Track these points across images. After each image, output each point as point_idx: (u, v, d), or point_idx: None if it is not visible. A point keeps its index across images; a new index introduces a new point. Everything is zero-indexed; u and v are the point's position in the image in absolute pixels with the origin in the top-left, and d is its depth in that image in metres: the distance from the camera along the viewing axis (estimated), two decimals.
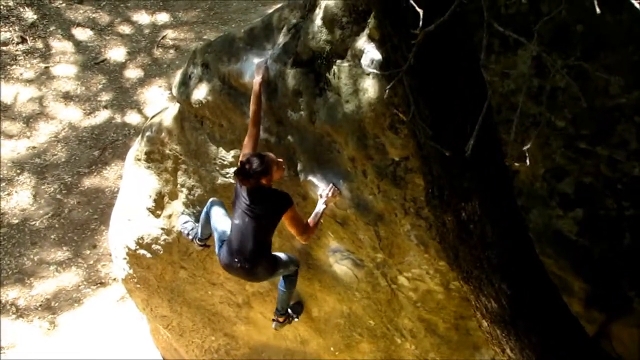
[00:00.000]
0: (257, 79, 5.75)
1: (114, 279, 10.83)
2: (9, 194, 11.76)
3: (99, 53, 13.58)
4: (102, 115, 12.76)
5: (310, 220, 5.86)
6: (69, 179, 11.96)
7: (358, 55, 5.10)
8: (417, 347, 6.45)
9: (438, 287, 5.76)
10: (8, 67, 13.24)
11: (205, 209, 6.70)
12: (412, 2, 3.08)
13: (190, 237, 7.10)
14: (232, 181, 6.66)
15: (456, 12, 3.06)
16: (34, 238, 11.33)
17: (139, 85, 13.15)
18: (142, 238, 7.88)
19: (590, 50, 4.15)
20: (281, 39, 5.81)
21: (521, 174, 4.65)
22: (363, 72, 5.06)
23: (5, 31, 13.62)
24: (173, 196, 7.42)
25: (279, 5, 6.20)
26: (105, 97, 12.99)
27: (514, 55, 4.36)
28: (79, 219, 11.57)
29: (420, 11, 3.00)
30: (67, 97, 12.97)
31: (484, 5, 3.11)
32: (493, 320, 4.21)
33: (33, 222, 11.49)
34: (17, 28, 13.71)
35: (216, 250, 6.36)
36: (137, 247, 7.98)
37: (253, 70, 5.88)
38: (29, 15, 13.92)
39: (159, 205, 7.58)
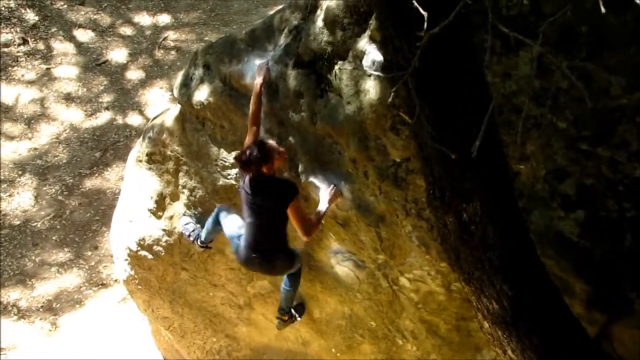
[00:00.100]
0: (259, 80, 5.75)
1: (116, 280, 10.83)
2: (10, 196, 11.77)
3: (100, 54, 13.60)
4: (104, 117, 12.77)
5: (312, 218, 5.84)
6: (71, 180, 11.96)
7: (359, 57, 5.10)
8: (419, 348, 6.45)
9: (439, 288, 5.76)
10: (9, 68, 13.25)
11: (212, 216, 6.70)
12: (416, 4, 3.08)
13: (192, 238, 7.10)
14: (234, 182, 6.67)
15: (460, 13, 3.06)
16: (35, 239, 11.34)
17: (140, 87, 13.15)
18: (143, 239, 7.88)
19: (592, 51, 4.15)
20: (282, 41, 5.82)
21: (522, 176, 4.65)
22: (364, 73, 5.06)
23: (7, 32, 13.63)
24: (174, 197, 7.42)
25: (280, 7, 6.20)
26: (106, 98, 13.00)
27: (516, 56, 4.36)
28: (80, 220, 11.57)
29: (425, 13, 3.00)
30: (68, 98, 12.98)
31: (488, 7, 3.11)
32: (494, 322, 4.21)
33: (34, 224, 11.50)
34: (18, 29, 13.72)
35: (233, 249, 6.39)
36: (139, 248, 7.99)
37: (254, 71, 5.89)
38: (31, 16, 13.93)
39: (160, 206, 7.58)
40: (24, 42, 13.56)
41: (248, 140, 5.79)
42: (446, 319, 5.97)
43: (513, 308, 4.06)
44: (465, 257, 4.10)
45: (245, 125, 6.11)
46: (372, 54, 4.98)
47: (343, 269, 6.46)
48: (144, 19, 14.10)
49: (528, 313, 4.11)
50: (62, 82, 13.18)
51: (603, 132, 4.30)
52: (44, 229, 11.45)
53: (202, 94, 6.40)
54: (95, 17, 14.06)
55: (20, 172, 12.02)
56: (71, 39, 13.78)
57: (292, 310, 7.09)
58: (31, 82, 13.14)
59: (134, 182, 7.78)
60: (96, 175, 12.06)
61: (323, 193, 5.82)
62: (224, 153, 6.59)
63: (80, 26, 13.94)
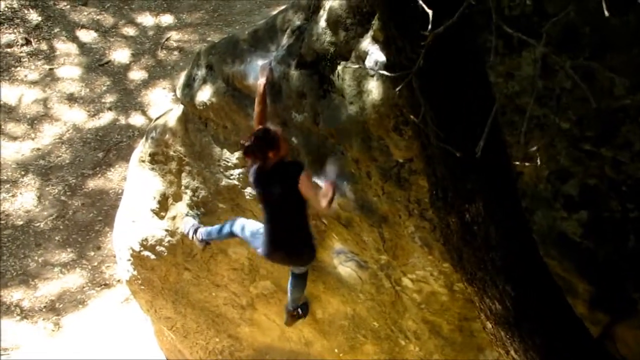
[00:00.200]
0: (262, 81, 5.75)
1: (118, 281, 10.83)
2: (13, 196, 11.78)
3: (103, 55, 13.61)
4: (106, 117, 12.78)
5: (324, 201, 5.53)
6: (73, 181, 11.97)
7: (362, 57, 5.10)
8: (421, 348, 6.44)
9: (442, 288, 5.76)
10: (12, 68, 13.27)
11: (225, 226, 6.62)
12: (421, 2, 3.08)
13: (190, 234, 7.07)
14: (237, 183, 6.67)
15: (464, 14, 3.06)
16: (38, 239, 11.35)
17: (143, 87, 13.17)
18: (146, 239, 7.89)
19: (595, 51, 4.15)
20: (285, 41, 5.82)
21: (525, 176, 4.64)
22: (367, 73, 5.06)
23: (10, 33, 13.65)
24: (177, 198, 7.42)
25: (282, 7, 6.20)
26: (109, 98, 13.02)
27: (519, 56, 4.36)
28: (83, 220, 11.58)
29: (430, 12, 3.00)
30: (71, 98, 12.99)
31: (492, 7, 3.11)
32: (497, 322, 4.21)
33: (37, 224, 11.51)
34: (21, 30, 13.73)
35: (255, 247, 6.31)
36: (141, 248, 7.99)
37: (257, 72, 5.89)
38: (34, 17, 13.95)
39: (163, 206, 7.59)
40: (27, 42, 13.58)
41: None
42: (449, 319, 5.97)
43: (516, 308, 4.05)
44: (468, 258, 4.10)
45: (248, 126, 6.11)
46: (375, 55, 4.98)
47: (346, 269, 6.45)
48: (146, 19, 14.11)
49: (531, 313, 4.10)
50: (65, 82, 13.19)
51: (606, 132, 4.30)
52: (47, 229, 11.46)
53: (204, 94, 6.40)
54: (98, 17, 14.07)
55: (23, 173, 12.03)
56: (74, 39, 13.79)
57: (299, 309, 7.07)
58: (34, 83, 13.16)
59: (136, 183, 7.78)
60: (99, 175, 12.07)
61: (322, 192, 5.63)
62: (226, 153, 6.59)
63: (83, 26, 13.95)
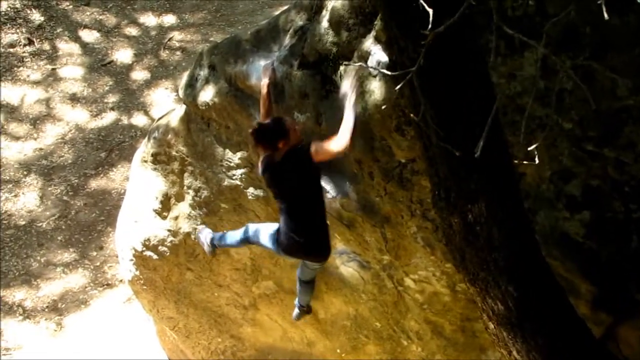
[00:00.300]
0: (265, 81, 5.73)
1: (121, 281, 10.84)
2: (15, 196, 11.79)
3: (105, 55, 13.61)
4: (109, 117, 12.79)
5: (343, 129, 5.12)
6: (76, 181, 11.98)
7: (365, 57, 5.09)
8: (424, 349, 6.45)
9: (444, 289, 5.76)
10: (15, 68, 13.27)
11: (239, 233, 6.38)
12: (422, 2, 3.08)
13: (202, 240, 6.78)
14: (239, 183, 6.67)
15: (465, 14, 3.06)
16: (40, 239, 11.36)
17: (146, 87, 13.17)
18: (148, 240, 7.89)
19: (596, 51, 4.15)
20: (288, 41, 5.82)
21: (528, 176, 4.64)
22: (370, 74, 5.06)
23: (13, 33, 13.65)
24: (179, 198, 7.43)
25: (285, 7, 6.20)
26: (111, 98, 13.02)
27: (521, 57, 4.36)
28: (85, 220, 11.59)
29: (430, 11, 3.00)
30: (73, 98, 13.00)
31: (493, 8, 3.11)
32: (499, 323, 4.21)
33: (40, 224, 11.52)
34: (24, 30, 13.74)
35: (271, 246, 6.00)
36: (144, 248, 8.00)
37: (260, 72, 5.88)
38: (36, 17, 13.95)
39: (165, 207, 7.59)
40: (30, 42, 13.59)
41: None
42: (451, 319, 5.97)
43: (518, 309, 4.05)
44: (471, 258, 4.10)
45: (251, 126, 6.11)
46: (377, 55, 4.97)
47: (348, 269, 6.45)
48: (149, 19, 14.12)
49: (533, 314, 4.10)
50: (68, 82, 13.20)
51: (609, 133, 4.30)
52: (49, 229, 11.47)
53: (207, 94, 6.40)
54: (100, 17, 14.08)
55: (25, 173, 12.04)
56: (76, 39, 13.80)
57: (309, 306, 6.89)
58: (36, 83, 13.16)
59: (139, 183, 7.79)
60: (101, 175, 12.08)
61: (345, 89, 5.20)
62: (229, 153, 6.59)
63: (85, 27, 13.96)
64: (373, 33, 5.00)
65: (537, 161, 3.71)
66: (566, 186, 4.56)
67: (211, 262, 7.72)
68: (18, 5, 13.98)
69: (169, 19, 14.08)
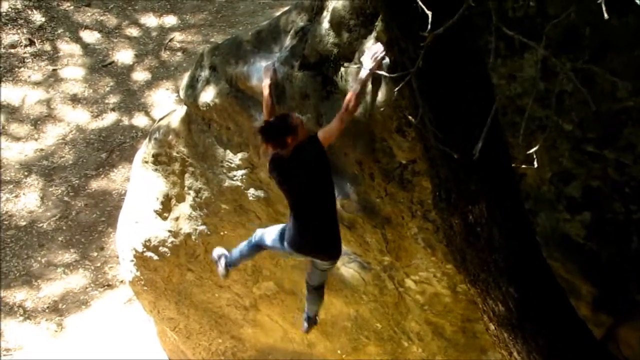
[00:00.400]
0: (266, 82, 5.72)
1: (121, 281, 10.85)
2: (16, 196, 11.80)
3: (106, 55, 13.62)
4: (110, 118, 12.79)
5: (350, 94, 5.08)
6: (77, 182, 11.99)
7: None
8: (424, 350, 6.45)
9: (445, 290, 5.76)
10: (16, 69, 13.28)
11: (248, 241, 6.34)
12: (421, 4, 3.08)
13: (215, 259, 6.67)
14: (240, 184, 6.67)
15: (464, 15, 3.06)
16: (41, 240, 11.36)
17: (147, 88, 13.18)
18: (149, 240, 7.90)
19: (596, 53, 4.15)
20: (288, 42, 5.82)
21: (528, 178, 4.65)
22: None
23: (14, 34, 13.66)
24: (180, 199, 7.43)
25: (286, 8, 6.21)
26: (112, 99, 13.03)
27: (521, 58, 4.36)
28: (86, 221, 11.60)
29: (429, 13, 3.01)
30: (74, 99, 13.01)
31: (492, 9, 3.11)
32: (500, 324, 4.21)
33: (40, 224, 11.52)
34: (25, 30, 13.75)
35: (281, 248, 5.92)
36: (144, 249, 8.00)
37: (260, 73, 5.88)
38: (37, 17, 13.96)
39: (166, 207, 7.60)
40: (31, 43, 13.59)
41: None
42: (452, 320, 5.97)
43: (519, 310, 4.06)
44: (471, 259, 4.10)
45: (251, 127, 6.12)
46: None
47: (349, 270, 6.46)
48: (150, 20, 14.12)
49: (534, 315, 4.10)
50: (69, 83, 13.20)
51: (609, 134, 4.30)
52: (50, 229, 11.48)
53: (208, 95, 6.41)
54: (101, 18, 14.08)
55: (26, 173, 12.05)
56: (77, 40, 13.80)
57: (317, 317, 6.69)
58: (37, 83, 13.17)
59: (140, 183, 7.79)
60: (102, 176, 12.09)
61: (365, 57, 5.07)
62: (229, 154, 6.59)
63: (86, 27, 13.97)
64: (374, 34, 5.00)
65: (536, 165, 3.72)
66: (566, 187, 4.56)
67: (211, 263, 7.72)
68: (19, 6, 13.99)
69: (170, 20, 14.08)
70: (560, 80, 4.12)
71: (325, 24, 5.35)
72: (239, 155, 6.53)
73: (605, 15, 2.78)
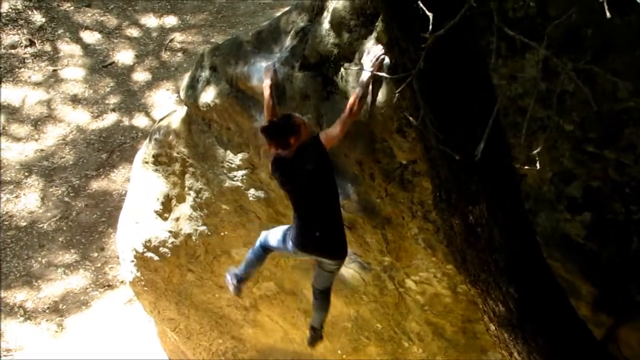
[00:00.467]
0: (267, 83, 5.71)
1: (122, 282, 10.85)
2: (17, 197, 11.80)
3: (107, 56, 13.62)
4: (110, 118, 12.79)
5: (352, 97, 5.09)
6: (77, 182, 11.99)
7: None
8: (425, 350, 6.45)
9: (445, 290, 5.76)
10: (16, 70, 13.28)
11: (252, 248, 6.27)
12: (421, 5, 3.08)
13: (229, 280, 6.52)
14: (240, 184, 6.67)
15: (465, 16, 3.06)
16: (41, 241, 11.36)
17: (147, 88, 13.18)
18: (149, 241, 7.90)
19: (597, 53, 4.15)
20: (289, 42, 5.82)
21: (529, 178, 4.65)
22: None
23: (14, 34, 13.66)
24: (180, 199, 7.43)
25: (286, 9, 6.21)
26: (113, 100, 13.03)
27: (522, 58, 4.36)
28: (86, 221, 11.60)
29: (430, 15, 3.00)
30: (75, 100, 13.01)
31: (494, 10, 3.11)
32: (500, 324, 4.21)
33: (41, 225, 11.52)
34: (25, 31, 13.75)
35: (286, 248, 5.88)
36: (145, 249, 8.00)
37: (261, 73, 5.88)
38: (38, 18, 13.96)
39: (166, 208, 7.60)
40: (31, 43, 13.60)
41: None
42: (452, 321, 5.97)
43: (519, 310, 4.06)
44: (472, 260, 4.10)
45: (252, 127, 6.12)
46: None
47: (349, 271, 6.46)
48: (150, 20, 14.12)
49: (534, 315, 4.10)
50: (69, 83, 13.21)
51: (610, 134, 4.30)
52: (50, 230, 11.48)
53: (208, 95, 6.41)
54: (101, 18, 14.08)
55: (26, 174, 12.05)
56: (78, 40, 13.80)
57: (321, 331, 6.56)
58: (38, 84, 13.17)
59: (140, 184, 7.79)
60: (102, 176, 12.09)
61: (366, 59, 5.10)
62: (230, 155, 6.59)
63: (86, 28, 13.97)
64: (374, 34, 5.00)
65: (538, 166, 3.72)
66: (567, 188, 4.56)
67: (212, 263, 7.72)
68: (19, 7, 13.99)
69: (170, 20, 14.08)
70: (562, 80, 4.12)
71: (326, 25, 5.35)
72: (240, 155, 6.53)
73: (608, 15, 2.78)
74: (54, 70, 13.33)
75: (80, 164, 12.22)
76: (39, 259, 11.15)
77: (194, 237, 7.58)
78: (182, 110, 7.00)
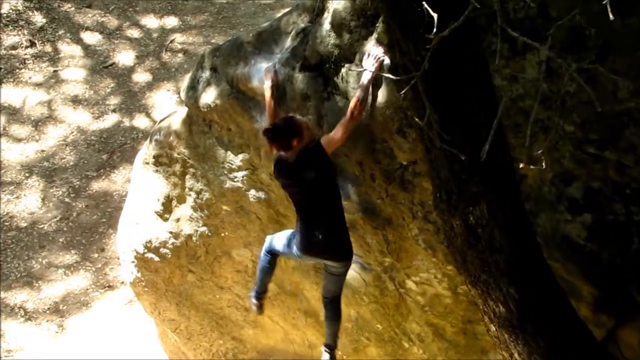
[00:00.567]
0: (268, 84, 5.71)
1: (122, 283, 10.84)
2: (17, 197, 11.80)
3: (107, 57, 13.62)
4: (111, 119, 12.79)
5: (353, 101, 5.09)
6: (78, 183, 11.99)
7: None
8: (425, 351, 6.44)
9: (446, 291, 5.76)
10: (17, 70, 13.28)
11: (262, 254, 6.23)
12: (425, 5, 3.08)
13: (252, 299, 6.51)
14: (240, 185, 6.67)
15: (468, 17, 3.06)
16: (42, 241, 11.36)
17: (148, 89, 13.18)
18: (150, 242, 7.89)
19: (599, 54, 4.15)
20: (289, 43, 5.82)
21: (529, 179, 4.65)
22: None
23: (15, 35, 13.66)
24: (181, 200, 7.43)
25: (287, 9, 6.20)
26: (113, 100, 13.03)
27: (523, 59, 4.36)
28: (87, 222, 11.59)
29: (435, 15, 3.00)
30: (75, 100, 13.00)
31: (497, 10, 3.11)
32: (501, 325, 4.21)
33: (41, 226, 11.52)
34: (26, 32, 13.75)
35: (290, 251, 5.85)
36: (145, 250, 8.00)
37: (261, 74, 5.88)
38: (38, 19, 13.96)
39: (167, 209, 7.59)
40: (32, 44, 13.60)
41: None
42: (452, 322, 5.97)
43: (520, 311, 4.06)
44: (472, 260, 4.10)
45: (252, 128, 6.12)
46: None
47: (350, 271, 6.45)
48: (151, 21, 14.12)
49: (535, 316, 4.10)
50: (69, 84, 13.21)
51: (610, 135, 4.30)
52: (51, 231, 11.47)
53: (209, 96, 6.41)
54: (102, 19, 14.08)
55: (27, 174, 12.05)
56: (78, 41, 13.80)
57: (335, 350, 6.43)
58: (38, 85, 13.17)
59: (140, 185, 7.79)
60: (103, 177, 12.09)
61: (365, 59, 5.10)
62: (230, 155, 6.59)
63: (87, 28, 13.97)
64: (375, 35, 5.01)
65: (543, 166, 3.72)
66: (567, 188, 4.56)
67: (212, 264, 7.72)
68: (20, 7, 13.99)
69: (171, 21, 14.08)
70: (565, 82, 4.12)
71: (326, 25, 5.36)
72: (240, 156, 6.53)
73: (611, 16, 2.78)
74: (55, 71, 13.33)
75: (80, 164, 12.21)
76: (40, 259, 11.15)
77: (194, 238, 7.58)
78: (183, 111, 7.00)
